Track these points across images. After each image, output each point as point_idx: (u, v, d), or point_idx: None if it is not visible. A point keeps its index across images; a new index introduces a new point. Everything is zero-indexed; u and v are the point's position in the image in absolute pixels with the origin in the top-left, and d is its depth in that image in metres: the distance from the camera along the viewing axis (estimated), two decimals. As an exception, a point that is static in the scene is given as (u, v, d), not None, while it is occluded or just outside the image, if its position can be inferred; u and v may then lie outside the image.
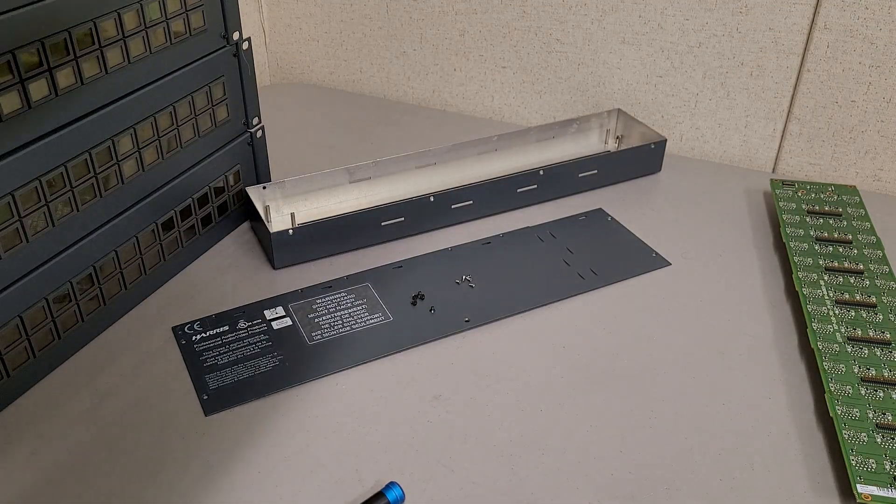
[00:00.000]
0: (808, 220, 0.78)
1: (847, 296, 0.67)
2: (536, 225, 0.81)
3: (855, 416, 0.56)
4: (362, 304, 0.69)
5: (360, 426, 0.57)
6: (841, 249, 0.73)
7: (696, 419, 0.58)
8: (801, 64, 0.88)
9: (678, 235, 0.80)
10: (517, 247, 0.77)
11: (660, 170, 0.91)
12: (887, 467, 0.52)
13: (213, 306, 0.69)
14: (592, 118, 0.93)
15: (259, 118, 0.79)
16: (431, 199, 0.78)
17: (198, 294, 0.71)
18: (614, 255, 0.76)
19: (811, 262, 0.71)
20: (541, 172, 0.82)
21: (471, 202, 0.81)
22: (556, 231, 0.80)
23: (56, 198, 0.58)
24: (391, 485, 0.50)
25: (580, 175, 0.85)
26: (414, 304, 0.69)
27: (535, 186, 0.83)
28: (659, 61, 0.94)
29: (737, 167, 0.94)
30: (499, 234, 0.79)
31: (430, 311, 0.68)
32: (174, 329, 0.66)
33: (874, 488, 0.51)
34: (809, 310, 0.66)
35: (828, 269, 0.71)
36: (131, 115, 0.63)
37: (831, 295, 0.67)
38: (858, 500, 0.50)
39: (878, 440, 0.54)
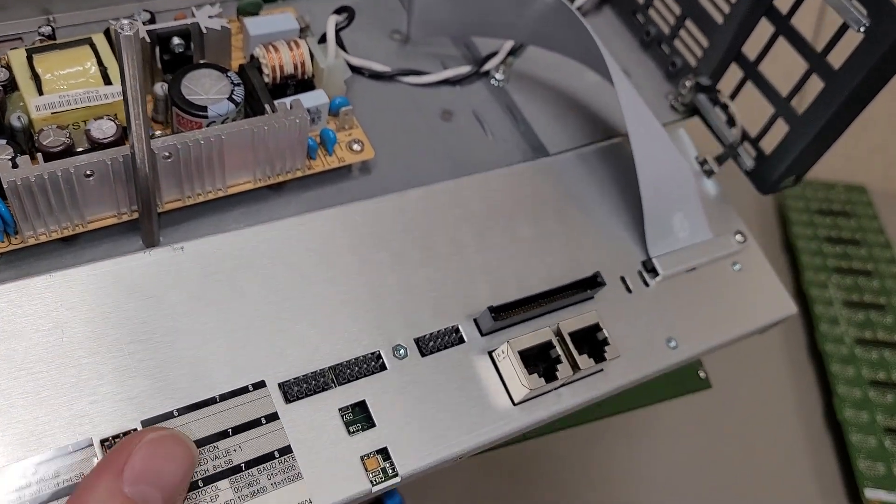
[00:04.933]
0: (816, 219, 0.77)
1: (856, 297, 0.67)
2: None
3: (863, 420, 0.55)
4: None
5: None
6: (850, 250, 0.73)
7: (703, 422, 0.57)
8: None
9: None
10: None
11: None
12: None
13: None
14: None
15: None
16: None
17: None
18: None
19: (819, 262, 0.71)
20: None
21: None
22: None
23: None
24: (391, 492, 0.50)
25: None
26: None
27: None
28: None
29: (745, 165, 0.93)
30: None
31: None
32: None
33: (882, 493, 0.51)
34: (818, 312, 0.65)
35: (836, 270, 0.70)
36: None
37: (840, 296, 0.67)
38: (866, 506, 0.50)
39: (887, 444, 0.54)
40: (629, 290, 0.35)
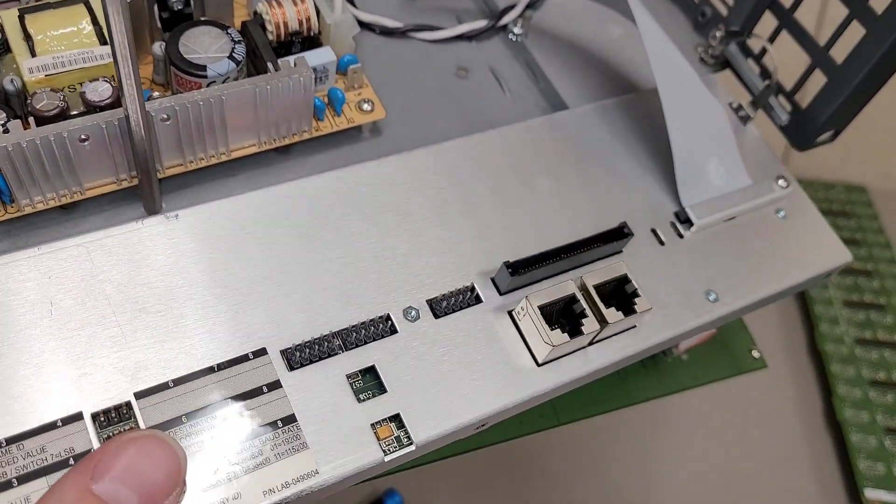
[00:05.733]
0: (815, 219, 0.76)
1: (856, 297, 0.66)
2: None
3: (863, 420, 0.55)
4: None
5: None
6: (850, 250, 0.72)
7: (702, 422, 0.57)
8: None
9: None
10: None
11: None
12: (896, 472, 0.51)
13: None
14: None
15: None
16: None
17: None
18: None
19: (819, 262, 0.70)
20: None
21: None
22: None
23: None
24: (391, 493, 0.49)
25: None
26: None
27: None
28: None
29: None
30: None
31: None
32: None
33: (883, 493, 0.50)
34: (818, 312, 0.65)
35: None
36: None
37: (840, 296, 0.66)
38: (867, 506, 0.50)
39: (887, 444, 0.53)
40: (661, 243, 0.32)
